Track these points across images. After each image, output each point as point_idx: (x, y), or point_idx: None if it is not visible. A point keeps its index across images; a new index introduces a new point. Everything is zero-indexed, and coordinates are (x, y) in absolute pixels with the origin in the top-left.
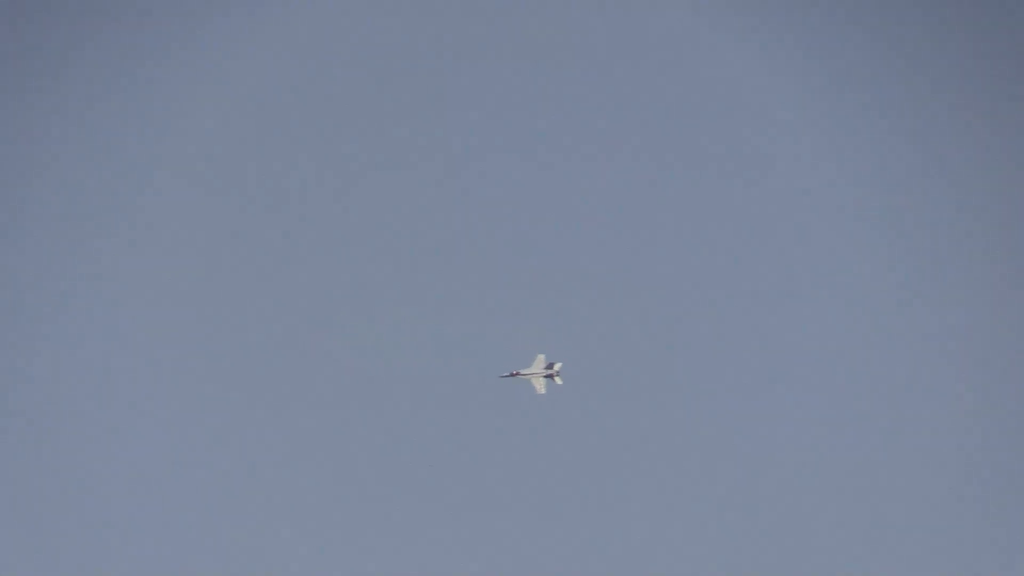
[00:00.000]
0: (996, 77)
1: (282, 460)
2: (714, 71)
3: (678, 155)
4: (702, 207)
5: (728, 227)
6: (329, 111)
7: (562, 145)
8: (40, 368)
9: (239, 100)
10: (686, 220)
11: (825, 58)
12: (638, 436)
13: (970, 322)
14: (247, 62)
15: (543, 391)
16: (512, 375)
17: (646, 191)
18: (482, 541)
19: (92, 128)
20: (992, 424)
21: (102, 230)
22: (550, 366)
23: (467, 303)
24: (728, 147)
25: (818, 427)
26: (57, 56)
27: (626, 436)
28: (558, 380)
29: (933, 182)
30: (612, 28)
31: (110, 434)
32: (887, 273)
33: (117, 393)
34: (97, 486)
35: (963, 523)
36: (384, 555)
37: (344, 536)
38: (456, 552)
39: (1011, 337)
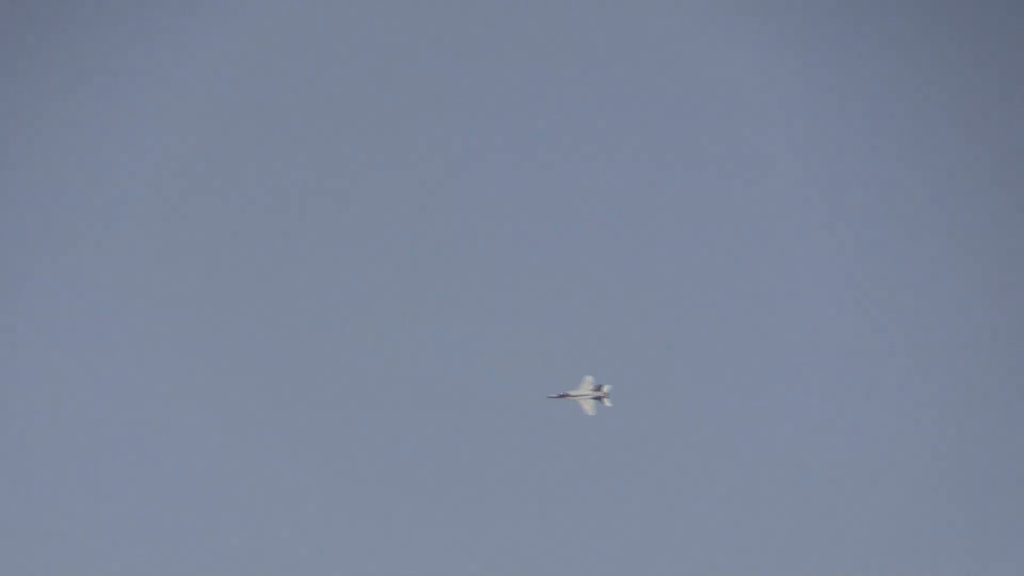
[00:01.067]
0: (996, 78)
1: (284, 461)
2: (714, 71)
3: (677, 155)
4: (701, 207)
5: (727, 227)
6: (328, 111)
7: (562, 145)
8: (40, 368)
9: (239, 100)
10: (685, 220)
11: (824, 58)
12: (640, 436)
13: (968, 321)
14: (247, 62)
15: (592, 412)
16: (561, 396)
17: (645, 191)
18: (485, 543)
19: (91, 128)
20: (991, 423)
21: (102, 230)
22: (598, 388)
23: (463, 302)
24: (727, 147)
25: (822, 427)
26: (57, 55)
27: (628, 436)
28: (607, 402)
29: (931, 182)
30: (612, 28)
31: (110, 434)
32: (885, 272)
33: (116, 393)
34: (97, 486)
35: (961, 523)
36: (388, 556)
37: (350, 537)
38: (457, 553)
39: (1009, 337)
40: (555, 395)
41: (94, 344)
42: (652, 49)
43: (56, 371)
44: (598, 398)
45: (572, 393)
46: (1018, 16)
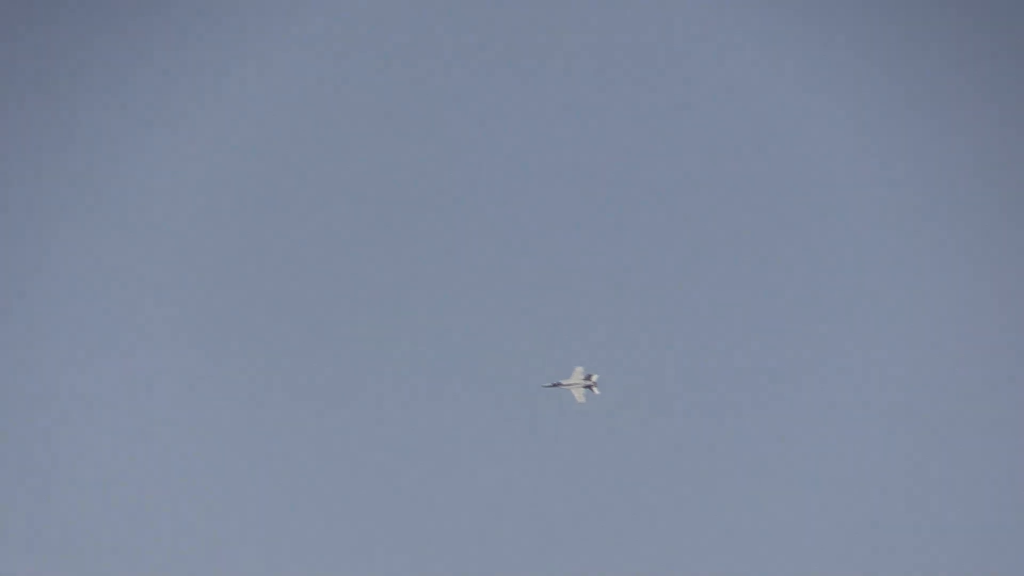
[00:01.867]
0: (1000, 77)
1: (285, 460)
2: (716, 71)
3: (678, 154)
4: (701, 206)
5: (727, 225)
6: (329, 111)
7: (562, 145)
8: (41, 368)
9: (240, 100)
10: (684, 219)
11: (826, 58)
12: (631, 431)
13: (971, 321)
14: (248, 62)
15: (582, 400)
16: (554, 385)
17: (645, 190)
18: (480, 537)
19: (95, 129)
20: (992, 423)
21: (105, 231)
22: (588, 377)
23: (460, 301)
24: (727, 147)
25: (820, 425)
26: (62, 57)
27: (620, 432)
28: (595, 390)
29: (937, 182)
30: (612, 28)
31: (110, 435)
32: (886, 271)
33: (116, 394)
34: (96, 486)
35: (962, 523)
36: (386, 552)
37: (348, 533)
38: (457, 549)
39: (1011, 337)
40: (548, 384)
41: (95, 344)
42: (653, 49)
43: (57, 372)
44: (588, 387)
45: (564, 382)
46: (1018, 16)
